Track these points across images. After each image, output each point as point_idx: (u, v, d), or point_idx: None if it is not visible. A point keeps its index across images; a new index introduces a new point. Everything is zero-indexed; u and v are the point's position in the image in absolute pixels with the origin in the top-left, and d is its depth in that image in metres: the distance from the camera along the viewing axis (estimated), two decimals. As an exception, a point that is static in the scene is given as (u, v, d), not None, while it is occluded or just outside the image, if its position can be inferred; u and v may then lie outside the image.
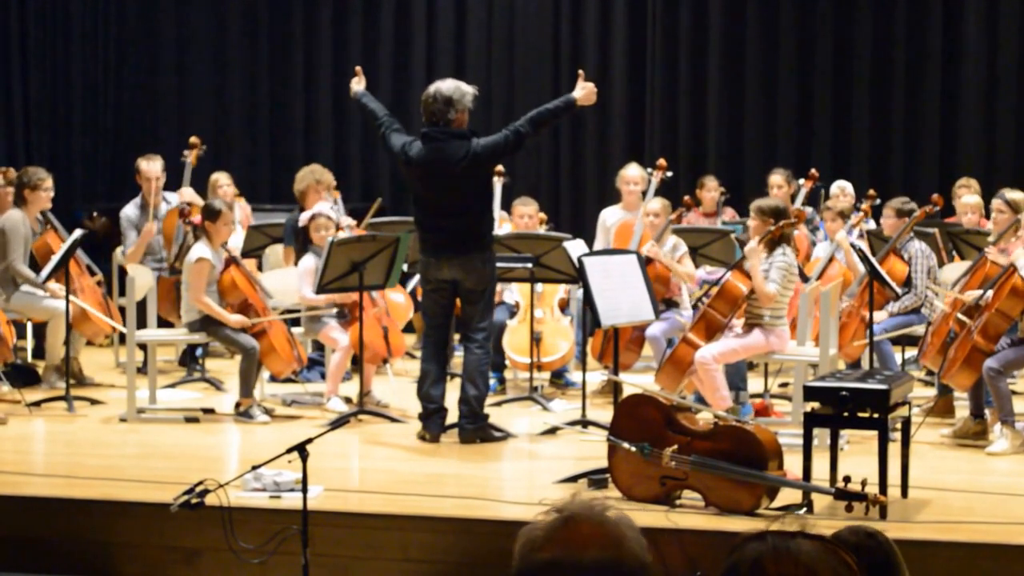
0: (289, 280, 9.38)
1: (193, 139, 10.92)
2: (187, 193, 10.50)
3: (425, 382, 8.14)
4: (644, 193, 10.30)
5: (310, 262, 9.10)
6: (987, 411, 8.21)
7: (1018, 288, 7.85)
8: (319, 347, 10.16)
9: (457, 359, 10.30)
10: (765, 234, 8.14)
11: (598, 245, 10.45)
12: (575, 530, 2.44)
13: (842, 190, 11.18)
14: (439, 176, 7.93)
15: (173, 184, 10.74)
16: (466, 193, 7.95)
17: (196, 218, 9.11)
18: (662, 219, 9.64)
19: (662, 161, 10.38)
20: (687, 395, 8.58)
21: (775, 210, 8.28)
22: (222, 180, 11.11)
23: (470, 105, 8.05)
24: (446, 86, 8.04)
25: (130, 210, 10.57)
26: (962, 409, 8.50)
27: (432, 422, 8.14)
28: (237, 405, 8.83)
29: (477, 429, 8.08)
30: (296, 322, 9.57)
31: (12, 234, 9.63)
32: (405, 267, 9.40)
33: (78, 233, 9.52)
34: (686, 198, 10.28)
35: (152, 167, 10.46)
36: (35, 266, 9.63)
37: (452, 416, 8.25)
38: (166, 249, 10.40)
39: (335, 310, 9.21)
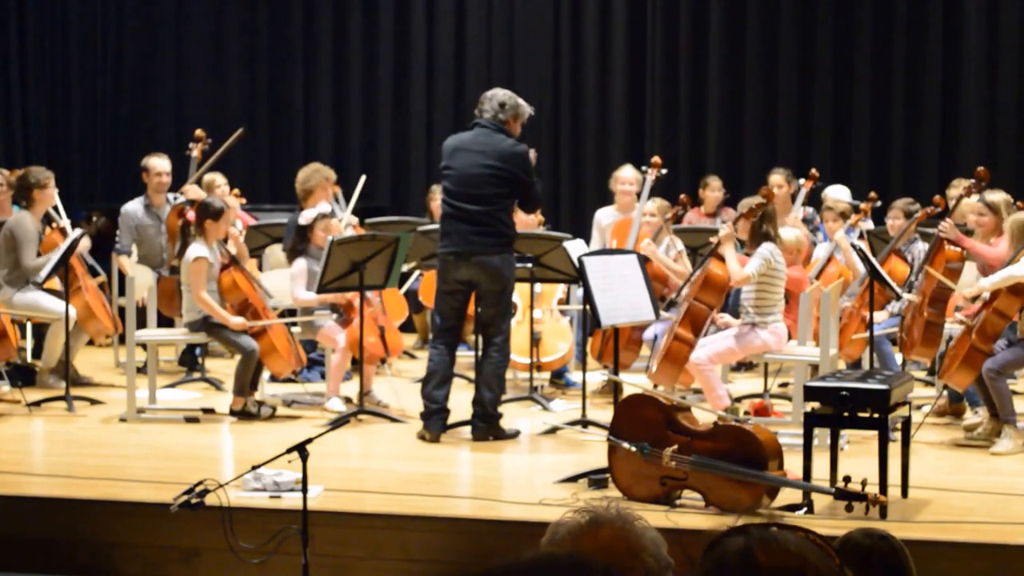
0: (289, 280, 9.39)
1: (199, 132, 10.88)
2: (192, 191, 10.44)
3: (430, 382, 8.16)
4: (639, 194, 10.30)
5: (302, 264, 9.16)
6: (980, 408, 8.28)
7: (1016, 287, 7.86)
8: (312, 346, 10.14)
9: (461, 360, 10.31)
10: (738, 217, 8.22)
11: (593, 246, 10.45)
12: (596, 534, 2.46)
13: (827, 197, 11.05)
14: (475, 157, 8.01)
15: (176, 182, 10.74)
16: (495, 184, 7.97)
17: (190, 215, 9.10)
18: (658, 219, 9.67)
19: (657, 159, 10.37)
20: (685, 394, 8.59)
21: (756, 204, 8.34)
22: (218, 181, 11.10)
23: (524, 118, 8.21)
24: (503, 92, 8.25)
25: (132, 207, 10.57)
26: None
27: (432, 422, 8.15)
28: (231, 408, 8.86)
29: (490, 428, 8.14)
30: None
31: (24, 236, 9.62)
32: (405, 267, 9.41)
33: (77, 232, 9.52)
34: (683, 196, 10.28)
35: (162, 163, 10.52)
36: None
37: (454, 416, 8.27)
38: (170, 246, 10.38)
39: (331, 313, 9.21)
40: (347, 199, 10.53)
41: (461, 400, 8.41)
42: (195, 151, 10.76)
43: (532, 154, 8.20)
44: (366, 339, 8.83)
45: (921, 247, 9.40)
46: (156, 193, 10.56)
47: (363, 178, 10.40)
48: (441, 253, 8.16)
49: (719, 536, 2.33)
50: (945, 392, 8.82)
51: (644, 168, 10.41)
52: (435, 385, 8.14)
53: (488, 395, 8.14)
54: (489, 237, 7.99)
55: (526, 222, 10.24)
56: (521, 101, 8.20)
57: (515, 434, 8.22)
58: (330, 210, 9.65)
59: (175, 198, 10.52)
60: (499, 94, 8.19)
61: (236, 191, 11.25)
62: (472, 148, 8.08)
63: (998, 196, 8.78)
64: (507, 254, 8.11)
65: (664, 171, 10.36)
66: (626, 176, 10.56)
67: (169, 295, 10.09)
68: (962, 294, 8.38)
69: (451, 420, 8.26)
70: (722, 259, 8.22)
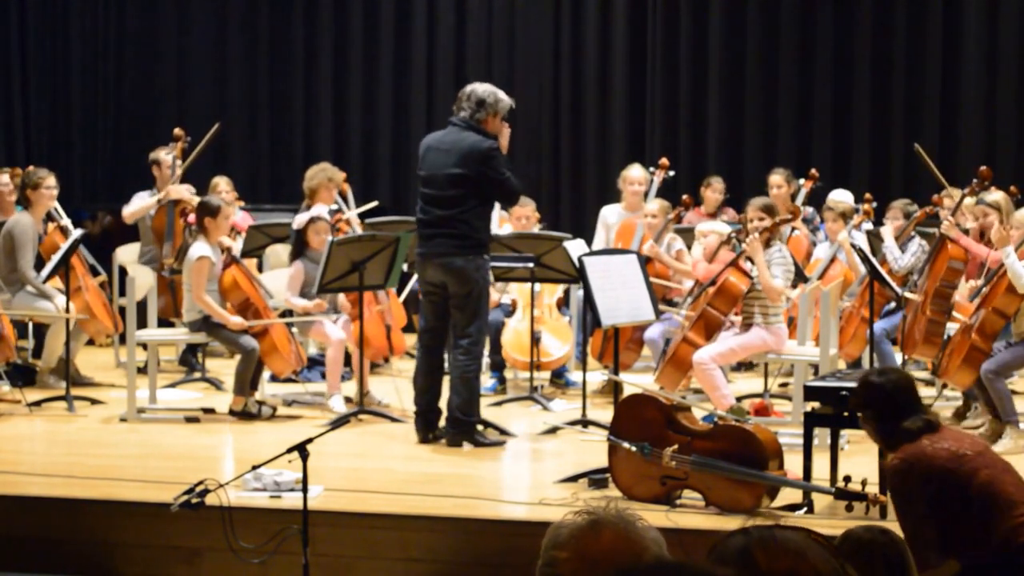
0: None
1: (176, 131, 10.84)
2: (175, 191, 10.42)
3: (415, 385, 8.17)
4: (646, 194, 10.31)
5: (298, 266, 9.20)
6: (976, 404, 8.28)
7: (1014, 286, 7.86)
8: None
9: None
10: (763, 230, 8.19)
11: (598, 242, 10.45)
12: (598, 536, 2.46)
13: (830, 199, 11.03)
14: (442, 157, 7.89)
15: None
16: (457, 185, 7.85)
17: (191, 217, 9.10)
18: (659, 220, 9.70)
19: (664, 160, 10.39)
20: (685, 394, 8.58)
21: (770, 207, 8.37)
22: (222, 185, 11.07)
23: (504, 112, 7.96)
24: (483, 88, 8.01)
25: (142, 193, 10.57)
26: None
27: (422, 423, 8.12)
28: (231, 409, 8.86)
29: (459, 434, 7.98)
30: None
31: (21, 238, 9.61)
32: (405, 267, 9.41)
33: (78, 233, 9.52)
34: (685, 197, 10.29)
35: (171, 158, 10.53)
36: (43, 266, 9.62)
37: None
38: (156, 247, 10.36)
39: (334, 315, 9.22)
40: (357, 202, 10.54)
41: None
42: (175, 151, 10.76)
43: (505, 131, 7.94)
44: (373, 334, 8.83)
45: (918, 243, 9.40)
46: (166, 184, 10.56)
47: (374, 203, 10.56)
48: (415, 254, 8.15)
49: (724, 536, 2.35)
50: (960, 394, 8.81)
51: (652, 168, 10.41)
52: (420, 389, 8.12)
53: (455, 399, 7.97)
54: (452, 240, 7.86)
55: (524, 224, 10.23)
56: (501, 95, 7.96)
57: (493, 444, 8.03)
58: (333, 209, 9.64)
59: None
60: (478, 91, 7.95)
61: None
62: (440, 147, 7.94)
63: (998, 195, 8.79)
64: (473, 256, 7.88)
65: (671, 173, 10.36)
66: (635, 176, 10.54)
67: (160, 294, 10.09)
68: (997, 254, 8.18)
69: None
70: (740, 269, 8.21)
